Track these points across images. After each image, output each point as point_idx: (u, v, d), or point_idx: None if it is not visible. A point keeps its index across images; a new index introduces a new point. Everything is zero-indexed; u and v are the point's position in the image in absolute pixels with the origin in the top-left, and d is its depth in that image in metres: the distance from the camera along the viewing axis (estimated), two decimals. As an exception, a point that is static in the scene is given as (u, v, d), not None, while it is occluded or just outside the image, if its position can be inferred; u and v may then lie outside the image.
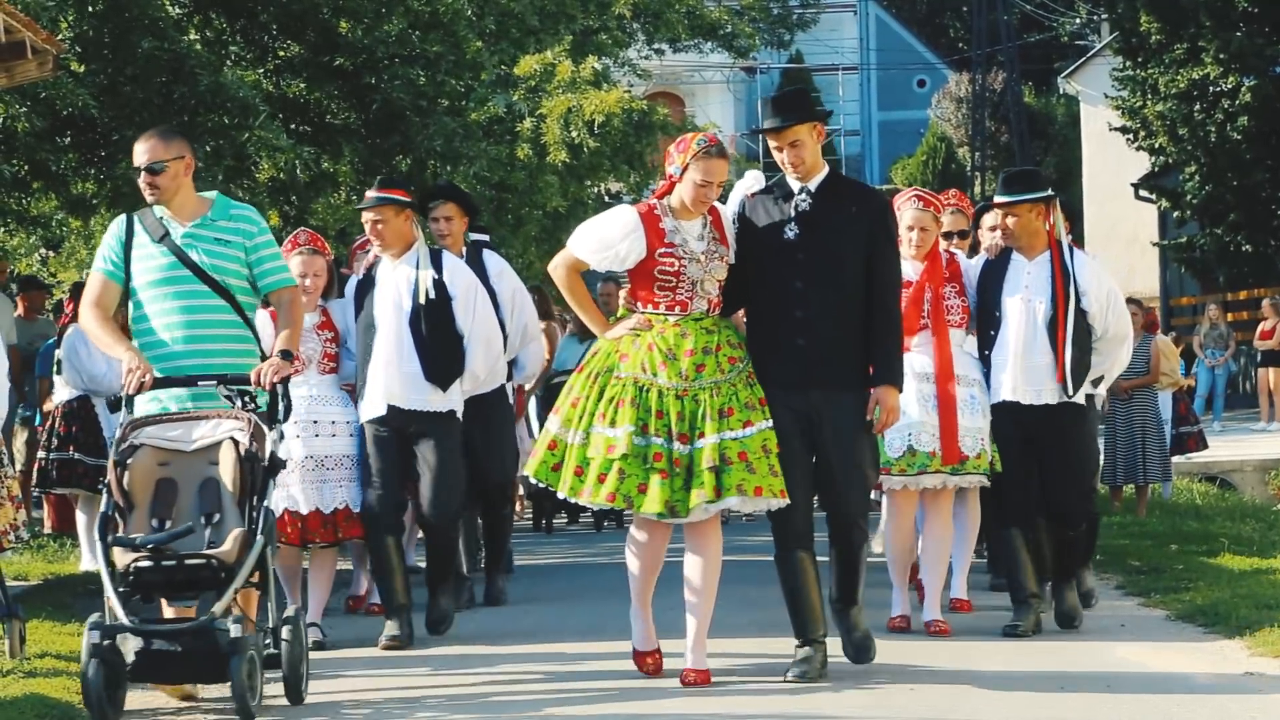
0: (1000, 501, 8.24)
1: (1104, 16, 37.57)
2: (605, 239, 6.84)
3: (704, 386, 6.63)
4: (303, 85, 15.96)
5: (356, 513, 8.17)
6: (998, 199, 8.15)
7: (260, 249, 6.93)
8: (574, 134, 17.77)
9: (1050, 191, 8.18)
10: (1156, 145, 29.32)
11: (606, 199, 23.81)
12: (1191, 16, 28.19)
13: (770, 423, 6.68)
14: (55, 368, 11.71)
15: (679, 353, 6.66)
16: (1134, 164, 30.41)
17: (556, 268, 7.02)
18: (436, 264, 8.27)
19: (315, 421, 8.19)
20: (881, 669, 6.99)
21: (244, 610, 6.47)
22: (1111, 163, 31.81)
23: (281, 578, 8.15)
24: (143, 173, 6.84)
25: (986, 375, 8.11)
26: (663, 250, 6.75)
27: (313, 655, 7.85)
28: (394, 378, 8.05)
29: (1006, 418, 8.02)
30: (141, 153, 6.86)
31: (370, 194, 8.40)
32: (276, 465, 6.50)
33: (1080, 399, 8.07)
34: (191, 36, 15.20)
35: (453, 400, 8.21)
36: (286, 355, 6.68)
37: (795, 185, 6.92)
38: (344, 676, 7.31)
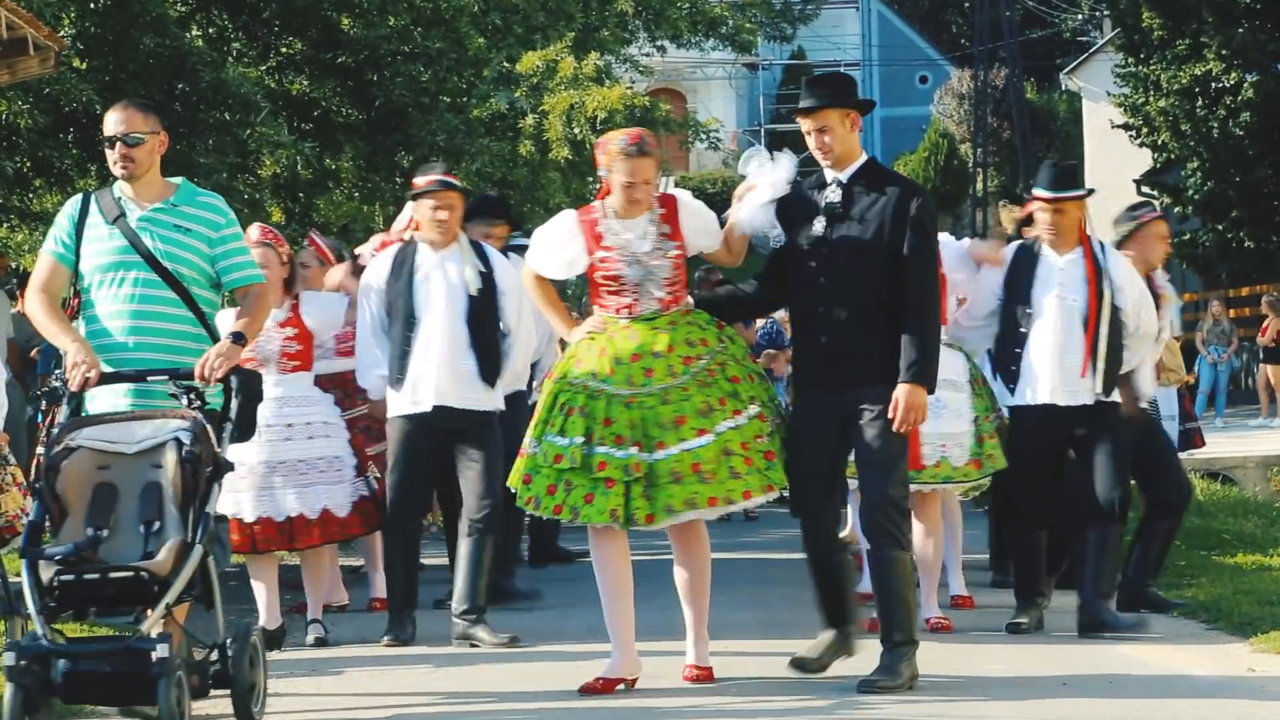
0: (1017, 502, 8.13)
1: (1106, 13, 37.53)
2: (549, 246, 6.78)
3: (653, 393, 6.46)
4: (305, 82, 15.96)
5: (342, 516, 8.05)
6: (1047, 194, 7.95)
7: (227, 241, 6.37)
8: (576, 130, 17.73)
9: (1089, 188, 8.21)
10: (1158, 142, 29.31)
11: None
12: (1193, 12, 28.16)
13: (743, 419, 6.48)
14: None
15: (625, 357, 6.53)
16: (1136, 160, 30.37)
17: (524, 277, 7.01)
18: (483, 259, 8.05)
19: (289, 425, 8.01)
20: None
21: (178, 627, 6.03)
22: (1114, 159, 31.77)
23: (260, 589, 8.06)
24: (117, 144, 6.25)
25: (1013, 373, 7.93)
26: (601, 254, 6.65)
27: (316, 654, 7.87)
28: (445, 376, 7.84)
29: (1041, 419, 7.86)
30: (116, 123, 6.27)
31: (433, 178, 8.00)
32: (222, 468, 5.92)
33: (1116, 396, 7.97)
34: (194, 33, 15.21)
35: (498, 399, 8.07)
36: (238, 338, 6.10)
37: (829, 175, 6.72)
38: (344, 674, 7.31)
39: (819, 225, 6.64)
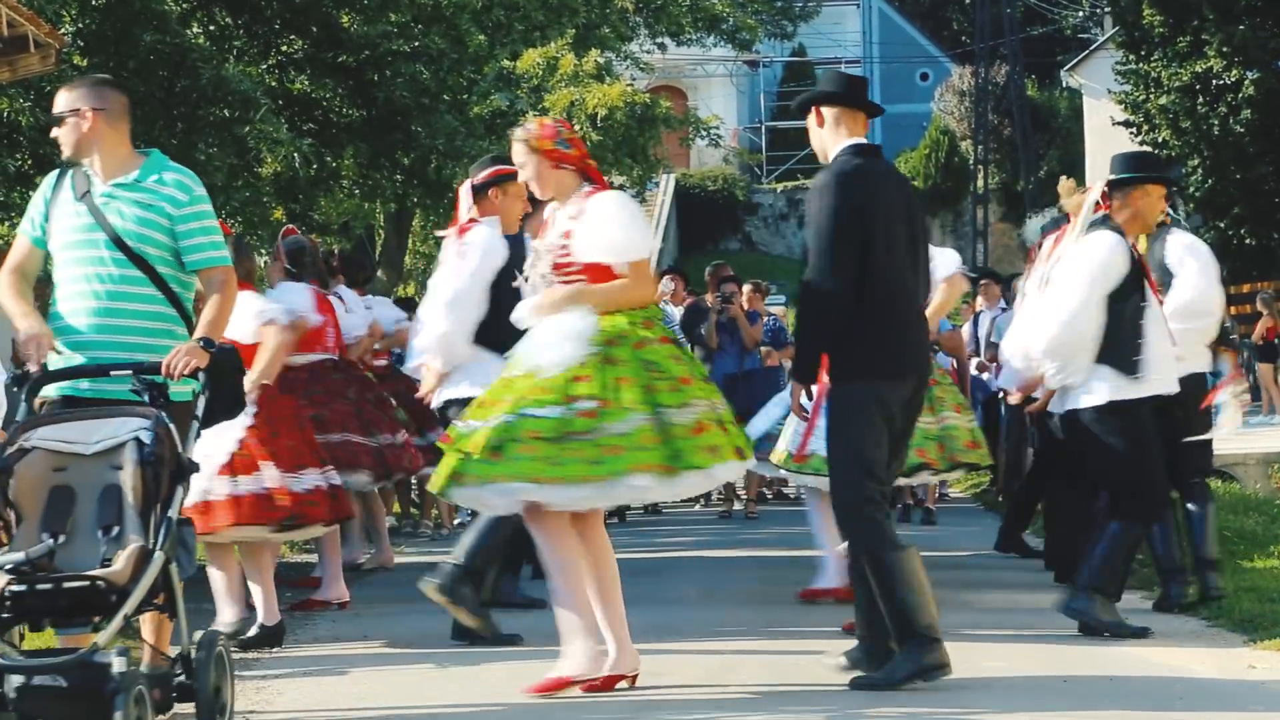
0: (1136, 495, 7.81)
1: (1107, 10, 37.53)
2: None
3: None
4: (306, 81, 15.97)
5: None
6: (1148, 180, 8.07)
7: (189, 220, 6.01)
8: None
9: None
10: (1159, 139, 29.29)
11: (610, 192, 23.79)
12: (1194, 10, 28.16)
13: (563, 409, 6.21)
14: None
15: None
16: (1137, 157, 30.33)
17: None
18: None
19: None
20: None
21: (153, 638, 5.85)
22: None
23: (219, 583, 7.88)
24: None
25: (1134, 364, 7.62)
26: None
27: (320, 652, 7.85)
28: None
29: (1157, 410, 7.73)
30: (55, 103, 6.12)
31: (488, 172, 8.05)
32: (186, 469, 5.56)
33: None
34: (194, 30, 15.21)
35: None
36: (207, 344, 5.74)
37: None
38: (348, 674, 7.30)
39: None
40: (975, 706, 6.15)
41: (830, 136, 6.69)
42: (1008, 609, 8.58)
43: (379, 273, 18.26)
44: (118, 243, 5.93)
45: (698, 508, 15.44)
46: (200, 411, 5.71)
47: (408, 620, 8.61)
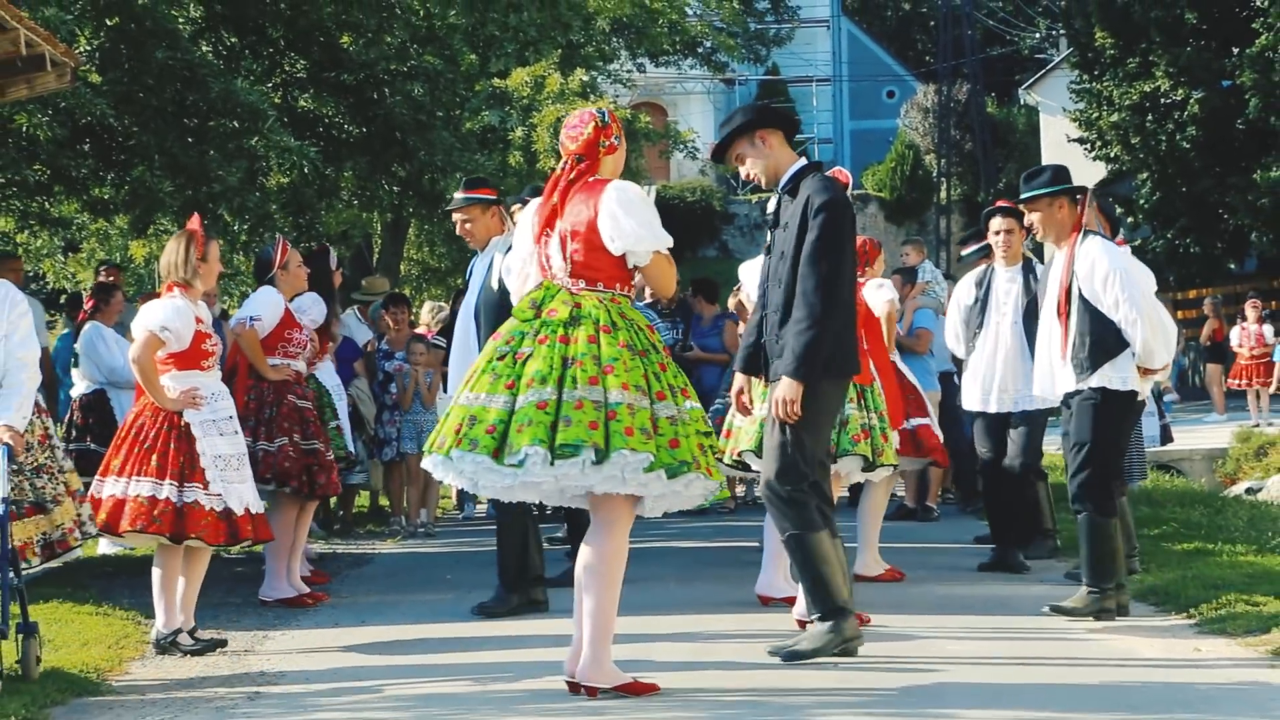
0: (1109, 484, 7.84)
1: (1062, 32, 37.60)
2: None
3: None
4: (309, 100, 15.98)
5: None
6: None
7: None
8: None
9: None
10: (1111, 154, 29.40)
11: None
12: (1143, 33, 28.25)
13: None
14: (73, 361, 11.71)
15: None
16: (1091, 172, 30.43)
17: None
18: None
19: (230, 418, 7.58)
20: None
21: None
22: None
23: (181, 583, 7.46)
24: None
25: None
26: None
27: (317, 636, 7.85)
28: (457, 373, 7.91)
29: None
30: None
31: (458, 195, 8.30)
32: None
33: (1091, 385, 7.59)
34: (204, 49, 15.19)
35: None
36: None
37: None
38: (345, 652, 7.30)
39: (769, 235, 6.86)
40: (938, 681, 6.17)
41: (784, 155, 6.77)
42: (974, 595, 8.60)
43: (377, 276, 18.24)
44: None
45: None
46: None
47: (405, 609, 8.62)
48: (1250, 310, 22.36)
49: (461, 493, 14.04)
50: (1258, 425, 21.08)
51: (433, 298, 21.72)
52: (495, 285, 7.94)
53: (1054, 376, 7.71)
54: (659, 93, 47.31)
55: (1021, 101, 42.07)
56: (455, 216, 8.31)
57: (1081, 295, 7.57)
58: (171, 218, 16.35)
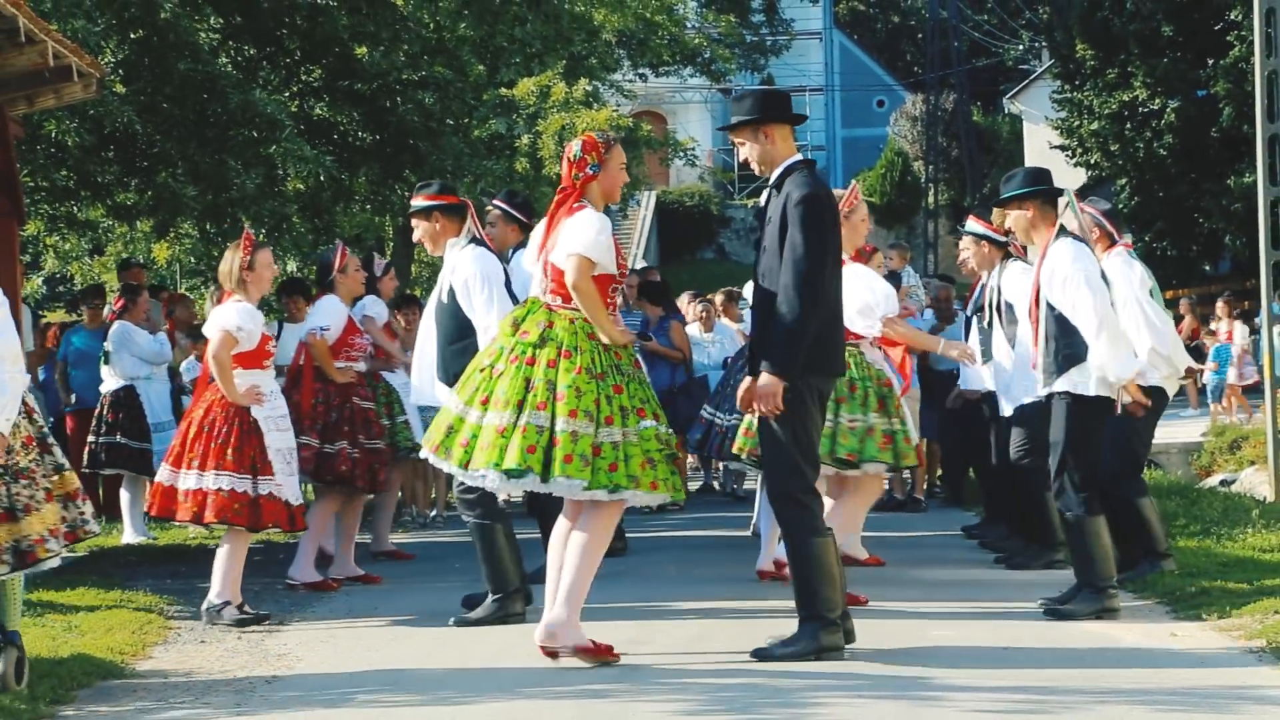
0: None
1: (1044, 44, 37.59)
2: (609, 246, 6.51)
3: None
4: (324, 108, 15.98)
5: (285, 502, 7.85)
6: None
7: None
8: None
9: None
10: (1091, 161, 29.41)
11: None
12: (1122, 44, 28.25)
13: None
14: (103, 358, 11.75)
15: None
16: (1072, 178, 30.44)
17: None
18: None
19: (284, 415, 8.05)
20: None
21: None
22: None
23: (221, 559, 7.76)
24: None
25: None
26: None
27: (334, 622, 7.85)
28: (422, 374, 7.85)
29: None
30: None
31: (414, 201, 7.90)
32: None
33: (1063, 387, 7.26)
34: (224, 60, 15.19)
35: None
36: None
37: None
38: (357, 639, 7.30)
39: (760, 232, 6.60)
40: (920, 668, 6.17)
41: (783, 150, 6.51)
42: (958, 583, 8.59)
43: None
44: None
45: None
46: None
47: (415, 596, 8.62)
48: (1222, 307, 22.40)
49: None
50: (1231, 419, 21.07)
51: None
52: (445, 292, 7.66)
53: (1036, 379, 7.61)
54: (659, 102, 47.31)
55: (1006, 110, 42.12)
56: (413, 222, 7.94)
57: (1047, 299, 7.29)
58: (192, 222, 16.36)
